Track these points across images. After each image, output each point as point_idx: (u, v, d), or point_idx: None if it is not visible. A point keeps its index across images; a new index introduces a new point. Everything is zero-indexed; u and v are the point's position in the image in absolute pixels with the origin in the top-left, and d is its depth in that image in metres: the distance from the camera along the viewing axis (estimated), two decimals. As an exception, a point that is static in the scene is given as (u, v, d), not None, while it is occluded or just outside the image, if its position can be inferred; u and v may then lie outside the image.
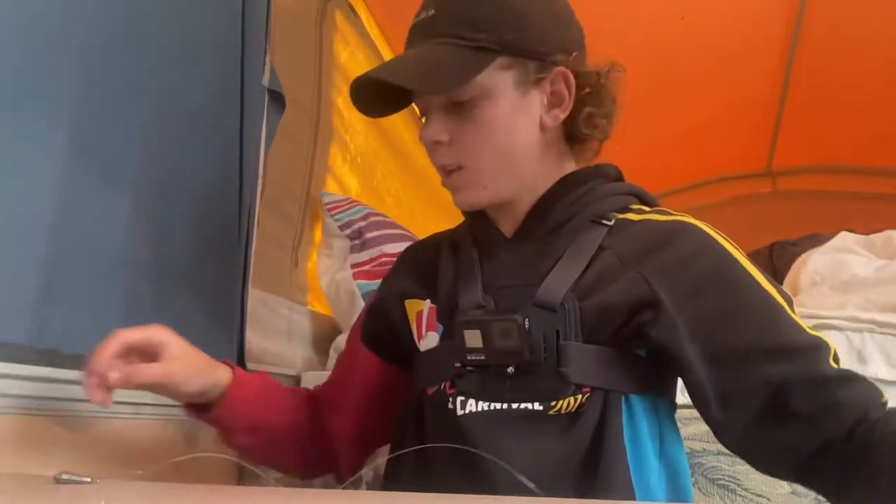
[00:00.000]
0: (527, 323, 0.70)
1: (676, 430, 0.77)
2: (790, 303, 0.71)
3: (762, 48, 2.10)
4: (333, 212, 1.54)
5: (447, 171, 0.78)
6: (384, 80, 0.73)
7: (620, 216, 0.78)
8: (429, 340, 0.81)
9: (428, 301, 0.82)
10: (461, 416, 0.72)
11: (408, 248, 0.97)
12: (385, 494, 0.69)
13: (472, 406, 0.72)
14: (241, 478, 1.10)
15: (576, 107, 0.78)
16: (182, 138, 0.94)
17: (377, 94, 0.78)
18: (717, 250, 0.73)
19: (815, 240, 1.85)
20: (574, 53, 0.77)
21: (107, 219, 0.81)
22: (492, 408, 0.71)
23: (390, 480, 0.79)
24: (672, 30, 1.94)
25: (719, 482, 1.12)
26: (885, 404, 0.67)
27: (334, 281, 1.48)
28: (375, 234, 1.51)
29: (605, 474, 0.67)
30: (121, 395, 0.86)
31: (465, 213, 0.86)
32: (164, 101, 0.90)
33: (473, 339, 0.71)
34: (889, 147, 2.44)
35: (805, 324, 0.70)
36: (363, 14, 1.85)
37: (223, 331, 1.01)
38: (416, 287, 0.85)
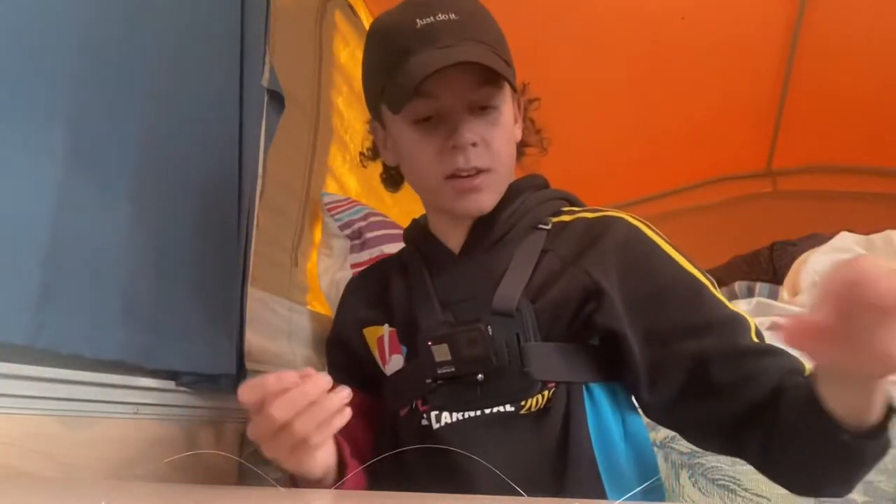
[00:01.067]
0: (489, 330, 0.73)
1: (636, 410, 0.80)
2: (713, 284, 0.75)
3: (762, 48, 2.10)
4: (333, 212, 1.54)
5: (468, 173, 0.79)
6: (479, 64, 0.74)
7: (556, 220, 0.84)
8: (394, 363, 0.84)
9: (386, 325, 0.85)
10: (437, 429, 0.75)
11: (351, 281, 1.01)
12: (384, 494, 0.69)
13: (446, 418, 0.75)
14: (241, 478, 1.10)
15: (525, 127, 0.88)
16: (181, 138, 0.94)
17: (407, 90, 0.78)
18: (642, 238, 0.79)
19: (815, 240, 1.85)
20: None
21: (106, 219, 0.81)
22: (466, 416, 0.74)
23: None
24: (672, 29, 1.94)
25: (719, 482, 1.12)
26: (804, 373, 0.68)
27: (334, 281, 1.48)
28: (375, 234, 1.51)
29: (573, 462, 0.71)
30: (121, 394, 0.86)
31: (414, 237, 0.91)
32: (163, 101, 0.90)
33: (441, 352, 0.74)
34: (889, 147, 2.44)
35: (727, 301, 0.74)
36: (363, 14, 1.85)
37: (223, 331, 1.01)
38: (371, 313, 0.88)
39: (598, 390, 0.76)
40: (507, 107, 0.82)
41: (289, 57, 1.36)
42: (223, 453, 0.90)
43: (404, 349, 0.83)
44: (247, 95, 1.06)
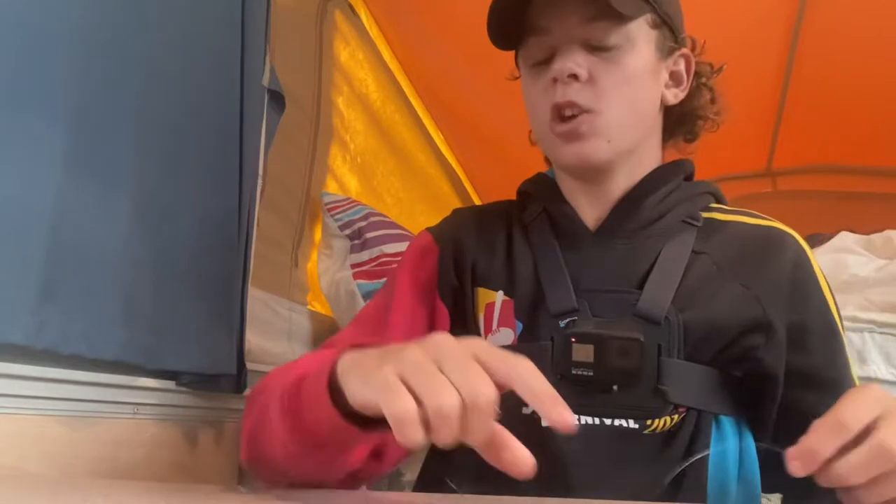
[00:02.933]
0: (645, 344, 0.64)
1: (754, 449, 0.72)
2: (844, 331, 0.71)
3: (762, 48, 2.10)
4: (333, 212, 1.54)
5: (572, 114, 0.70)
6: None
7: (706, 215, 0.76)
8: (501, 337, 0.73)
9: (501, 293, 0.74)
10: (547, 427, 0.65)
11: (468, 213, 0.84)
12: (386, 494, 0.69)
13: None
14: (241, 478, 1.10)
15: (689, 94, 0.77)
16: (182, 138, 0.94)
17: (500, 19, 0.72)
18: (809, 268, 0.72)
19: (815, 240, 1.85)
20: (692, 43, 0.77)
21: (105, 219, 0.81)
22: (583, 421, 0.66)
23: (433, 479, 0.73)
24: (672, 30, 1.94)
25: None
26: None
27: (334, 281, 1.48)
28: (376, 234, 1.51)
29: (683, 495, 0.64)
30: (121, 395, 0.86)
31: (541, 194, 0.78)
32: (162, 101, 0.90)
33: (583, 353, 0.65)
34: (889, 147, 2.43)
35: (851, 360, 0.70)
36: (363, 14, 1.85)
37: (223, 331, 1.01)
38: (490, 271, 0.75)
39: (727, 422, 0.68)
40: (637, 50, 0.71)
41: (289, 57, 1.36)
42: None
43: (519, 325, 0.72)
44: (247, 95, 1.06)
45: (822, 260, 1.51)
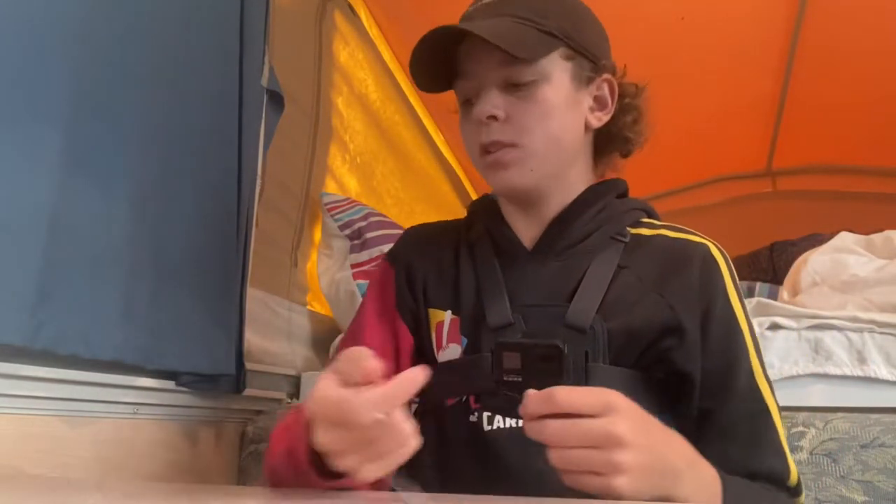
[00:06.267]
0: (566, 349, 0.69)
1: None
2: (757, 346, 0.76)
3: (762, 48, 2.10)
4: (333, 212, 1.54)
5: (496, 148, 0.76)
6: (478, 36, 0.72)
7: (633, 231, 0.81)
8: (450, 352, 0.80)
9: (449, 312, 0.81)
10: (489, 431, 0.73)
11: (419, 233, 0.91)
12: (385, 494, 0.69)
13: (499, 422, 0.73)
14: (241, 478, 1.10)
15: (614, 115, 0.82)
16: (181, 138, 0.94)
17: (429, 67, 0.78)
18: (719, 279, 0.77)
19: (815, 240, 1.85)
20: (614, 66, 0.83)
21: (104, 219, 0.81)
22: (519, 424, 0.70)
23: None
24: (672, 30, 1.94)
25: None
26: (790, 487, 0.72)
27: (334, 281, 1.48)
28: (375, 234, 1.51)
29: None
30: (121, 394, 0.86)
31: (484, 216, 0.85)
32: (162, 101, 0.90)
33: (511, 360, 0.70)
34: (889, 147, 2.44)
35: (763, 374, 0.75)
36: (363, 14, 1.85)
37: (222, 331, 1.01)
38: (439, 294, 0.83)
39: None
40: (553, 83, 0.76)
41: (288, 57, 1.36)
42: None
43: (464, 340, 0.80)
44: (246, 95, 1.06)
45: (822, 260, 1.51)
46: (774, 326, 1.21)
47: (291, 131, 1.41)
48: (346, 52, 1.75)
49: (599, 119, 0.82)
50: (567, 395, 0.56)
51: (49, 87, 0.73)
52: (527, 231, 0.82)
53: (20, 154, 0.70)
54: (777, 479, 0.72)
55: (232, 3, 1.05)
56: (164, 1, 0.91)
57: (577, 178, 0.82)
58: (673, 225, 0.83)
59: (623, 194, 0.85)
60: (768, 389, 0.75)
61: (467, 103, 0.79)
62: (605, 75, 0.81)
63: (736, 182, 2.93)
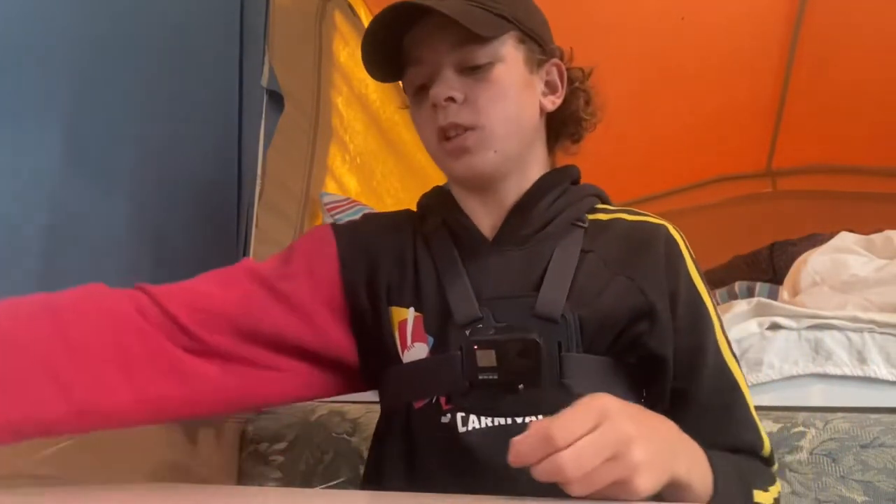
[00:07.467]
0: (542, 342, 0.68)
1: None
2: (720, 320, 0.77)
3: (762, 48, 2.10)
4: (333, 212, 1.54)
5: (456, 133, 0.75)
6: (431, 20, 0.72)
7: (591, 217, 0.81)
8: (416, 352, 0.76)
9: (412, 309, 0.78)
10: (464, 432, 0.70)
11: (380, 222, 0.87)
12: (384, 494, 0.69)
13: (474, 422, 0.70)
14: (241, 478, 1.10)
15: (565, 100, 0.83)
16: (181, 138, 0.94)
17: (383, 55, 0.77)
18: (681, 258, 0.77)
19: (815, 240, 1.85)
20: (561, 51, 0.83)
21: (104, 219, 0.81)
22: (496, 423, 0.70)
23: (370, 481, 0.77)
24: (672, 30, 1.94)
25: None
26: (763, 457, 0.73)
27: (334, 281, 1.48)
28: (375, 234, 1.51)
29: None
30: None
31: (439, 208, 0.84)
32: (162, 101, 0.90)
33: (486, 358, 0.69)
34: (889, 147, 2.44)
35: (728, 349, 0.75)
36: (363, 14, 1.85)
37: (222, 331, 1.01)
38: (400, 291, 0.79)
39: None
40: (507, 65, 0.76)
41: (288, 57, 1.36)
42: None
43: (430, 339, 0.76)
44: (246, 95, 1.06)
45: (822, 260, 1.51)
46: (774, 326, 1.21)
47: (291, 131, 1.41)
48: (346, 52, 1.75)
49: (553, 102, 0.82)
50: (564, 428, 0.52)
51: (49, 88, 0.73)
52: (485, 220, 0.80)
53: (20, 153, 0.70)
54: (752, 450, 0.72)
55: (232, 4, 1.05)
56: (164, 1, 0.91)
57: (533, 163, 0.82)
58: (627, 208, 0.83)
59: (576, 181, 0.85)
60: (735, 364, 0.75)
61: (421, 89, 0.78)
62: (554, 60, 0.82)
63: (736, 182, 2.93)
